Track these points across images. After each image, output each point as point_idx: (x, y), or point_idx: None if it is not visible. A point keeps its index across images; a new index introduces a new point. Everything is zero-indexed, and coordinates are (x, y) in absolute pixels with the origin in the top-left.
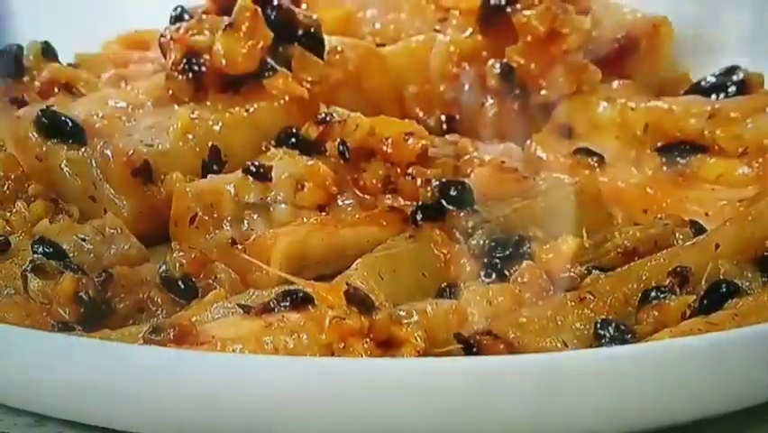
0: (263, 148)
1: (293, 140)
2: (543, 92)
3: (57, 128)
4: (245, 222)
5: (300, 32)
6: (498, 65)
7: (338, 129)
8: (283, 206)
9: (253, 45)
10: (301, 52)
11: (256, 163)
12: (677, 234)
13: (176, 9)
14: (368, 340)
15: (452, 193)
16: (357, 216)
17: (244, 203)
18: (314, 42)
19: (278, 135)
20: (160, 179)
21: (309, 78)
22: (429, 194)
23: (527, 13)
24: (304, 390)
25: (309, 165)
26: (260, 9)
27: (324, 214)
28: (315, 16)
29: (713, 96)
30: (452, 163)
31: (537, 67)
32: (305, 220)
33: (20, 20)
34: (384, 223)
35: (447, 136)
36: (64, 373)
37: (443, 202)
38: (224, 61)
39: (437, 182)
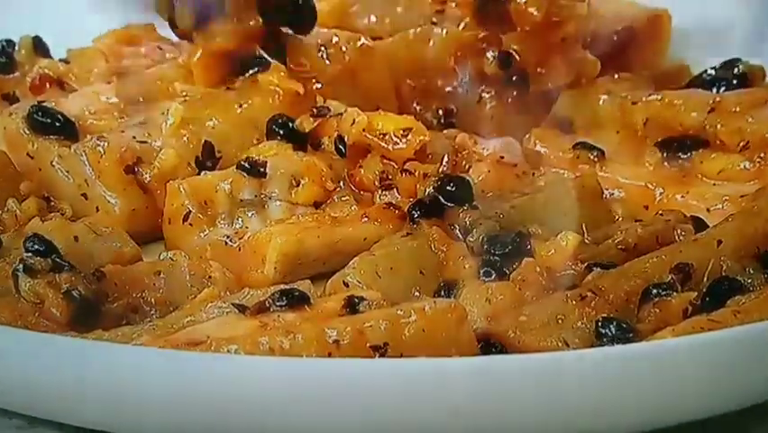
0: (254, 141)
1: (282, 131)
2: (541, 80)
3: (48, 124)
4: (240, 219)
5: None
6: (495, 53)
7: (334, 124)
8: (278, 202)
9: (241, 28)
10: (294, 40)
11: (250, 159)
12: (678, 231)
13: None
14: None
15: (451, 189)
16: (353, 213)
17: (239, 200)
18: (306, 14)
19: (268, 125)
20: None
21: (306, 67)
22: (427, 190)
23: (523, 0)
24: (300, 391)
25: (305, 161)
26: None
27: (319, 210)
28: None
29: (714, 90)
30: (450, 159)
31: (535, 55)
32: (300, 217)
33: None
34: (381, 220)
35: (445, 131)
36: (56, 374)
37: (442, 198)
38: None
39: (435, 178)
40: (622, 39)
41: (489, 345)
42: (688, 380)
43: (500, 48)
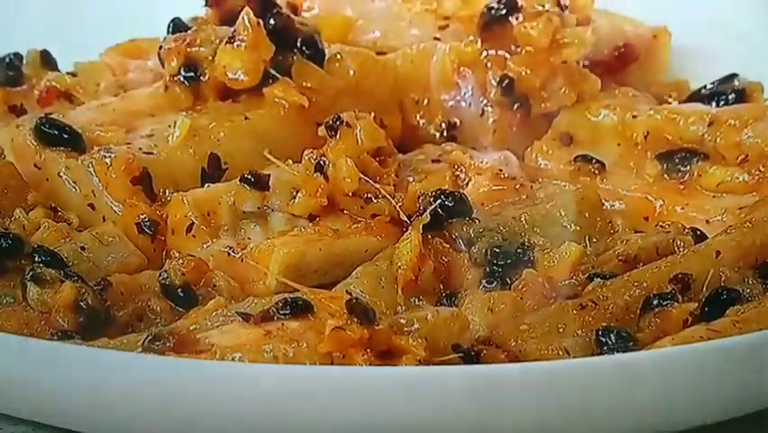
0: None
1: None
2: (543, 103)
3: (56, 136)
4: (242, 231)
5: (299, 40)
6: (498, 76)
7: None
8: (280, 214)
9: (256, 59)
10: (300, 60)
11: (254, 172)
12: (678, 242)
13: (174, 19)
14: (368, 351)
15: (449, 204)
16: (355, 225)
17: (242, 212)
18: (313, 51)
19: None
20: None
21: (309, 86)
22: (422, 205)
23: (528, 23)
24: (303, 398)
25: (303, 173)
26: (262, 22)
27: (321, 223)
28: (314, 25)
29: (713, 104)
30: (449, 173)
31: (538, 77)
32: (302, 229)
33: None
34: (383, 233)
35: (443, 145)
36: (62, 381)
37: (441, 212)
38: (228, 75)
39: (433, 193)
40: (622, 55)
41: (468, 356)
42: (687, 388)
43: (504, 68)
